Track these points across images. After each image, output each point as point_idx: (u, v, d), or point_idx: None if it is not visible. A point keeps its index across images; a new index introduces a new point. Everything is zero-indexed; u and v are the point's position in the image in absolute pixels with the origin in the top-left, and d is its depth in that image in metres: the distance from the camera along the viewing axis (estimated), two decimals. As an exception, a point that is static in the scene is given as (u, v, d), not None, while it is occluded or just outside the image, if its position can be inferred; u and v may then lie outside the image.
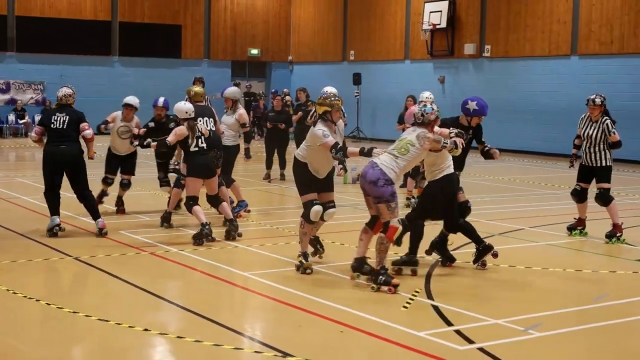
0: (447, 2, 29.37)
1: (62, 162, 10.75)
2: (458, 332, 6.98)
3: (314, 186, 8.95)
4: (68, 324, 7.25)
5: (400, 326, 7.08)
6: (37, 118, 21.36)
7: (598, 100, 11.26)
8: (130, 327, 6.99)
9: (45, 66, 31.82)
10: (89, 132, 11.02)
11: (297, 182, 9.12)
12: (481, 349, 6.53)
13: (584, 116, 11.51)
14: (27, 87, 31.90)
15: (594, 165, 11.34)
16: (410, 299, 8.02)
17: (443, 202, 8.95)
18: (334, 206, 9.08)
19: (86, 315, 7.30)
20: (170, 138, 10.67)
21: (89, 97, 33.21)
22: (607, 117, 11.31)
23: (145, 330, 6.93)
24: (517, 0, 27.43)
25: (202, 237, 10.44)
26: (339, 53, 34.69)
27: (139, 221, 12.29)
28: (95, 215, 10.97)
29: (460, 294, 8.29)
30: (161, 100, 12.49)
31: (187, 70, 34.04)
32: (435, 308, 7.73)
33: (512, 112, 26.09)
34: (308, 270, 8.88)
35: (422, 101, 13.85)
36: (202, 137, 10.87)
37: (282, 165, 17.77)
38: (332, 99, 8.90)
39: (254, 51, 36.27)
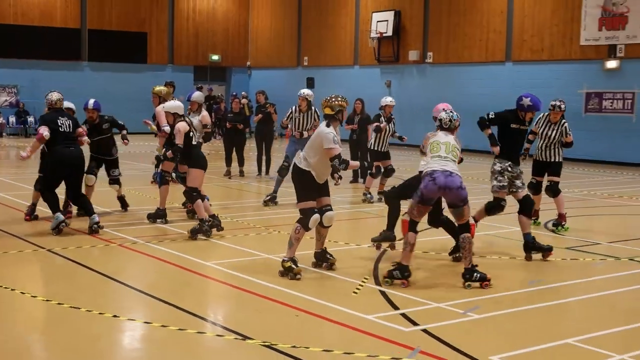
0: (392, 13, 29.51)
1: (71, 164, 10.50)
2: (404, 315, 7.03)
3: (315, 193, 8.45)
4: (41, 311, 7.19)
5: (351, 310, 7.12)
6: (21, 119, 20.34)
7: (563, 107, 11.71)
8: (100, 313, 6.94)
9: (18, 70, 31.44)
10: (86, 138, 11.20)
11: (298, 190, 8.49)
12: (424, 330, 6.59)
13: (542, 116, 11.85)
14: (1, 90, 31.52)
15: (549, 160, 11.69)
16: (360, 285, 8.06)
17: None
18: (331, 209, 8.53)
19: (58, 303, 7.24)
20: (178, 139, 10.48)
21: (60, 100, 32.96)
22: (565, 120, 11.73)
23: (115, 316, 6.89)
24: (457, 12, 27.65)
25: (199, 232, 10.25)
26: (294, 59, 34.68)
27: (106, 215, 12.16)
28: (91, 211, 10.66)
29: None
30: (91, 102, 12.11)
31: (152, 74, 33.81)
32: (383, 293, 7.77)
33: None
34: (298, 276, 8.20)
35: (384, 106, 14.14)
36: (195, 132, 11.02)
37: (241, 162, 17.78)
38: (341, 99, 8.55)
39: (215, 57, 36.14)
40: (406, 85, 29.27)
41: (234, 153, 17.76)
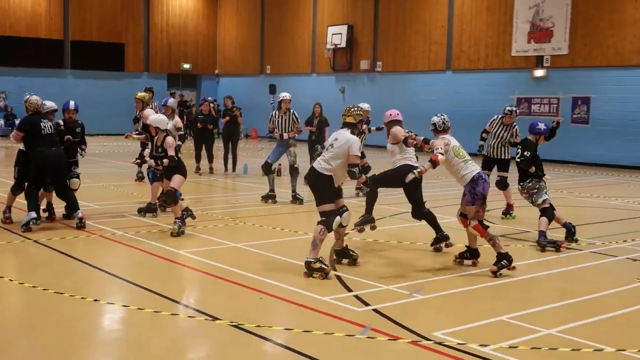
0: (346, 26, 29.57)
1: (54, 164, 10.22)
2: (356, 296, 7.04)
3: (334, 196, 8.04)
4: (27, 297, 7.08)
5: (310, 293, 7.12)
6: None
7: (517, 112, 12.22)
8: (82, 298, 6.86)
9: (6, 77, 30.97)
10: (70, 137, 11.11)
11: (320, 193, 8.04)
12: (375, 310, 6.61)
13: (497, 118, 12.23)
14: (-10, 95, 31.10)
15: (498, 158, 12.05)
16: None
17: (401, 184, 8.83)
18: (347, 209, 8.13)
19: (44, 289, 7.14)
20: (171, 152, 10.24)
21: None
22: (516, 123, 12.17)
23: (95, 300, 6.81)
24: (403, 26, 27.77)
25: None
26: (257, 67, 34.57)
27: (87, 208, 12.02)
28: (76, 207, 10.39)
29: (358, 266, 8.33)
30: (72, 103, 11.76)
31: (129, 81, 33.62)
32: (338, 277, 7.77)
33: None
34: (329, 275, 7.72)
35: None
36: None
37: (210, 159, 17.72)
38: (360, 109, 8.29)
39: (186, 65, 35.92)
40: (358, 91, 29.33)
41: (204, 151, 17.68)
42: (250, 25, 34.93)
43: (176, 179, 10.23)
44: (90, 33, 33.00)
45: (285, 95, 13.84)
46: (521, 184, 9.98)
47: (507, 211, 11.99)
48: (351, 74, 29.88)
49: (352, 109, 8.23)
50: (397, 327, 6.11)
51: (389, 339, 5.84)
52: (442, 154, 8.17)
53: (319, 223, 7.90)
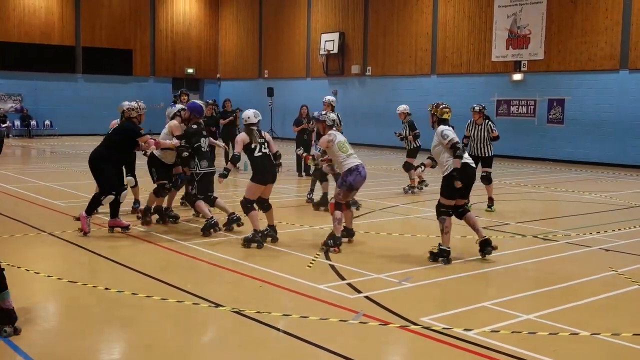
0: (338, 34, 29.53)
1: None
2: (349, 284, 7.03)
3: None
4: (43, 285, 7.04)
5: (306, 281, 7.10)
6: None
7: (477, 108, 12.14)
8: (93, 286, 6.83)
9: (22, 81, 30.94)
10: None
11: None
12: (367, 297, 6.60)
13: (470, 122, 12.19)
14: (7, 98, 30.93)
15: (481, 155, 11.99)
16: (313, 260, 8.04)
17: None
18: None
19: (58, 278, 7.11)
20: (238, 148, 8.91)
21: (58, 106, 32.57)
22: (489, 120, 12.13)
23: (106, 289, 6.78)
24: (391, 33, 27.73)
25: (252, 242, 8.65)
26: (256, 72, 34.51)
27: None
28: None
29: (351, 256, 8.33)
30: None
31: (137, 85, 33.60)
32: (332, 267, 7.76)
33: (388, 117, 26.21)
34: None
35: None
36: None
37: (213, 159, 17.70)
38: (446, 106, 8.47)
39: (190, 70, 35.84)
40: (350, 94, 29.32)
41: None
42: (249, 32, 34.88)
43: (250, 188, 8.85)
44: (100, 40, 32.90)
45: (331, 98, 13.45)
46: None
47: (490, 205, 11.99)
48: (343, 78, 29.84)
49: (444, 107, 8.47)
50: (387, 313, 6.10)
51: (380, 324, 5.82)
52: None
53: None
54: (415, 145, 14.25)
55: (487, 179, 11.98)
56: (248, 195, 8.77)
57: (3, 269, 5.46)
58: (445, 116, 8.36)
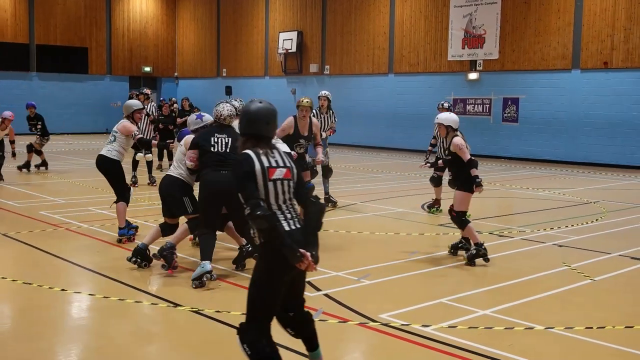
0: (296, 33, 29.50)
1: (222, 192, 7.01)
2: (309, 282, 7.01)
3: None
4: (-2, 287, 6.91)
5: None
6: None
7: (446, 105, 12.13)
8: (50, 288, 6.71)
9: (-26, 80, 30.23)
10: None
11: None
12: (326, 295, 6.61)
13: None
14: (-42, 96, 30.23)
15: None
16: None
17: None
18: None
19: (13, 280, 6.97)
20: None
21: (11, 105, 31.76)
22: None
23: (62, 290, 6.68)
24: (348, 32, 27.80)
25: (477, 257, 8.01)
26: (214, 70, 34.28)
27: (54, 203, 11.78)
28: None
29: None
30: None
31: (93, 83, 33.13)
32: (291, 265, 7.74)
33: (347, 115, 26.29)
34: None
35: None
36: None
37: (170, 157, 17.47)
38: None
39: (147, 68, 35.42)
40: (308, 93, 29.26)
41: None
42: (207, 30, 34.63)
43: (461, 198, 8.16)
44: (55, 37, 32.31)
45: (326, 93, 12.61)
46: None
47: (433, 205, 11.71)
48: (301, 77, 29.82)
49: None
50: (347, 310, 6.12)
51: (339, 322, 5.84)
52: None
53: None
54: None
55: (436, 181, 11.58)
56: (460, 208, 8.33)
57: None
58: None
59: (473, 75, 23.88)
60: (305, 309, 4.51)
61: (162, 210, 7.67)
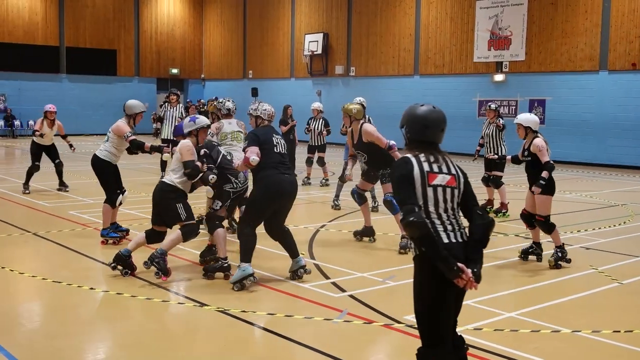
0: (322, 34, 29.53)
1: (285, 195, 6.92)
2: (334, 283, 7.03)
3: None
4: (28, 285, 6.99)
5: (291, 280, 7.09)
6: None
7: (493, 106, 12.06)
8: (78, 286, 6.78)
9: (5, 81, 30.69)
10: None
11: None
12: (351, 296, 6.60)
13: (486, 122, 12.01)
14: (-10, 98, 30.73)
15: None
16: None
17: None
18: None
19: (43, 278, 7.05)
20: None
21: (42, 106, 32.12)
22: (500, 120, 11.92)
23: (91, 288, 6.74)
24: (374, 34, 27.77)
25: (560, 260, 7.97)
26: (240, 72, 34.43)
27: (83, 203, 11.91)
28: (296, 253, 7.17)
29: (335, 255, 8.33)
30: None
31: (121, 85, 33.45)
32: (317, 266, 7.75)
33: (373, 117, 26.14)
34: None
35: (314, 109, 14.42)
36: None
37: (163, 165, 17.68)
38: None
39: (174, 70, 35.70)
40: (333, 94, 29.31)
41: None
42: (233, 32, 34.79)
43: (544, 201, 8.04)
44: (84, 40, 32.71)
45: (362, 99, 12.49)
46: None
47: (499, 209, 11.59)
48: (327, 78, 29.84)
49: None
50: (371, 312, 6.11)
51: (364, 323, 5.83)
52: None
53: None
54: None
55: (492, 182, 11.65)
56: (544, 212, 8.13)
57: None
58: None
59: (499, 77, 23.72)
60: (458, 334, 4.06)
61: (152, 217, 7.29)
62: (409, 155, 3.86)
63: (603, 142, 21.31)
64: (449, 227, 3.78)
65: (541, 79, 22.71)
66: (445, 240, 3.72)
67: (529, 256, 8.28)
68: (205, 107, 18.62)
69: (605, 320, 6.07)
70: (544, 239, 8.44)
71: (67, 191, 13.14)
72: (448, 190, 3.80)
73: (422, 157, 3.83)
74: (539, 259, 8.16)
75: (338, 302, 6.40)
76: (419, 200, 3.73)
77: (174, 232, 7.08)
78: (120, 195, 8.94)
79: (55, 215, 10.64)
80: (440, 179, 3.78)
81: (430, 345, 3.79)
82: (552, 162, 8.01)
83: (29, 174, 13.10)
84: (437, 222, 3.76)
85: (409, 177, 3.75)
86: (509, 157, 8.82)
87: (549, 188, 7.97)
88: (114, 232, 8.85)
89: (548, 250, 8.27)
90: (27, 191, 12.89)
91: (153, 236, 7.25)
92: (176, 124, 15.01)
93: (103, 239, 8.76)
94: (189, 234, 7.08)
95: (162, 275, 6.94)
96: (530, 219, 8.18)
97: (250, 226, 6.81)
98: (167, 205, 7.05)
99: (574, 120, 21.95)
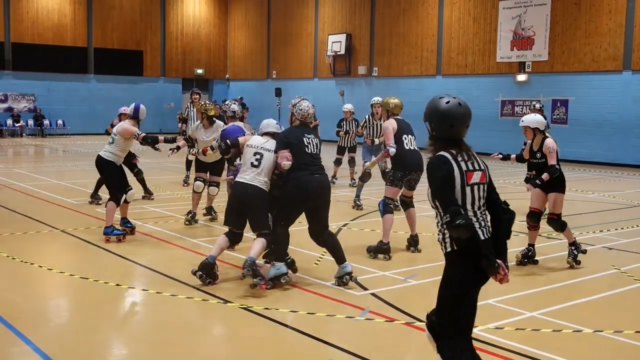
0: (345, 35, 29.51)
1: (317, 196, 6.84)
2: (356, 282, 7.02)
3: None
4: (56, 281, 7.06)
5: (313, 278, 7.10)
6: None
7: (538, 106, 11.84)
8: (105, 283, 6.84)
9: (35, 82, 31.02)
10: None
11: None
12: (373, 294, 6.59)
13: None
14: (21, 98, 30.99)
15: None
16: (319, 258, 8.03)
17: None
18: None
19: (70, 275, 7.12)
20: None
21: (71, 106, 32.67)
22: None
23: (117, 285, 6.79)
24: (397, 34, 27.70)
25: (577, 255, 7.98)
26: (264, 72, 34.51)
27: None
28: (342, 259, 6.91)
29: (357, 253, 8.31)
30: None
31: (147, 85, 33.69)
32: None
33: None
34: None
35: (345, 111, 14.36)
36: None
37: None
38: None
39: (199, 71, 35.87)
40: (356, 94, 29.26)
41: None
42: (258, 33, 34.88)
43: (558, 199, 8.01)
44: (111, 41, 32.99)
45: (377, 99, 12.33)
46: None
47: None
48: (350, 79, 29.81)
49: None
50: (393, 310, 6.09)
51: (386, 321, 5.82)
52: None
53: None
54: None
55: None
56: (558, 210, 8.15)
57: None
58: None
59: (522, 77, 23.54)
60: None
61: (231, 218, 6.92)
62: (444, 153, 3.79)
63: (626, 142, 21.06)
64: (482, 224, 3.81)
65: (564, 79, 22.50)
66: (482, 237, 3.77)
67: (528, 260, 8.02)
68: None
69: (627, 321, 6.00)
70: (539, 243, 8.34)
71: (152, 199, 12.33)
72: (481, 186, 3.82)
73: (458, 156, 3.79)
74: (535, 262, 8.00)
75: (360, 300, 6.39)
76: (458, 200, 3.73)
77: (259, 241, 6.73)
78: (125, 194, 9.00)
79: (83, 213, 10.74)
80: (476, 177, 3.79)
81: (449, 337, 3.86)
82: (557, 166, 7.85)
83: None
84: (474, 219, 3.78)
85: (450, 177, 3.73)
86: (513, 155, 8.69)
87: (561, 186, 7.90)
88: (118, 229, 8.90)
89: (555, 253, 8.18)
90: (99, 202, 11.66)
91: (234, 237, 7.02)
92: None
93: (106, 237, 8.75)
94: (271, 241, 6.86)
95: (263, 283, 6.55)
96: (539, 217, 8.08)
97: (282, 226, 6.82)
98: (258, 211, 6.77)
99: (597, 120, 21.72)
